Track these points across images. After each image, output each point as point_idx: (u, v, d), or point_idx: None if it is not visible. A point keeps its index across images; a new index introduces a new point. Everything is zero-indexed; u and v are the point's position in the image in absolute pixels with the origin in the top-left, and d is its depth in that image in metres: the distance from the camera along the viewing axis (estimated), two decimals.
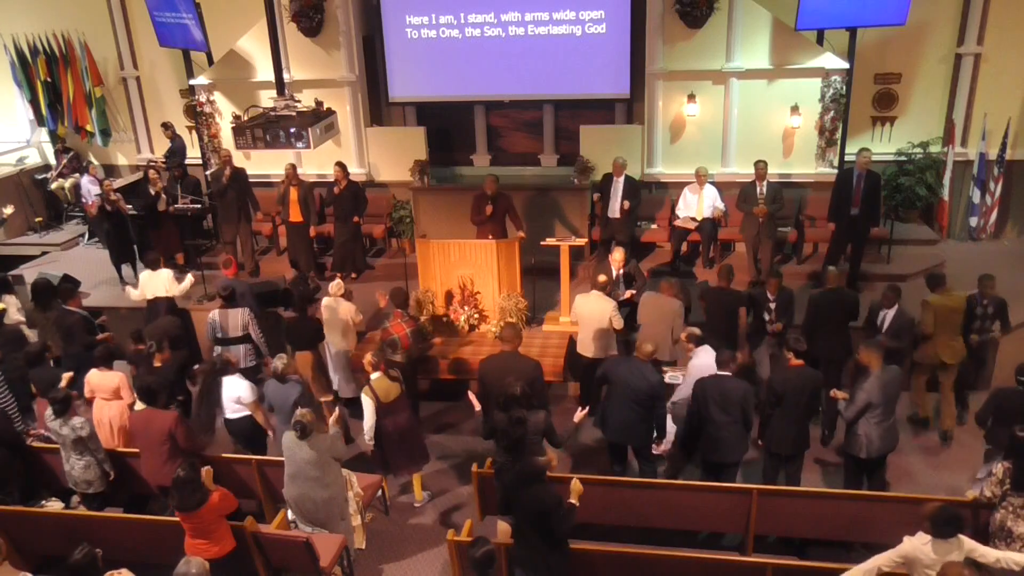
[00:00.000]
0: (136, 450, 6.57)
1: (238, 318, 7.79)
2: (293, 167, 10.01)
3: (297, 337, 7.75)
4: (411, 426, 6.72)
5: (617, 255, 8.26)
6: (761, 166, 9.23)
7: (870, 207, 8.97)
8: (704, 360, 6.71)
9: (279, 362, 6.61)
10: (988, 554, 4.79)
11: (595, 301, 7.56)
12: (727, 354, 6.37)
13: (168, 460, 6.20)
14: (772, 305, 7.82)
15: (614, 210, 9.58)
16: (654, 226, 10.43)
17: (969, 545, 4.74)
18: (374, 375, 6.49)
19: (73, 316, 8.10)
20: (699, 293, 8.26)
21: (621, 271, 8.28)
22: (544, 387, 6.75)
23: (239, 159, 10.59)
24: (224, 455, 6.81)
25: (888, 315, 7.46)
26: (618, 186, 9.56)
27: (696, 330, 7.00)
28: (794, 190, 9.99)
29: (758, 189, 9.21)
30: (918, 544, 4.71)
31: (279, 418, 6.72)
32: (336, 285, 7.97)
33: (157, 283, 8.58)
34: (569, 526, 5.12)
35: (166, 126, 11.72)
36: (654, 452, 6.74)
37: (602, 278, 7.62)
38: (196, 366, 8.58)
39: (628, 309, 8.47)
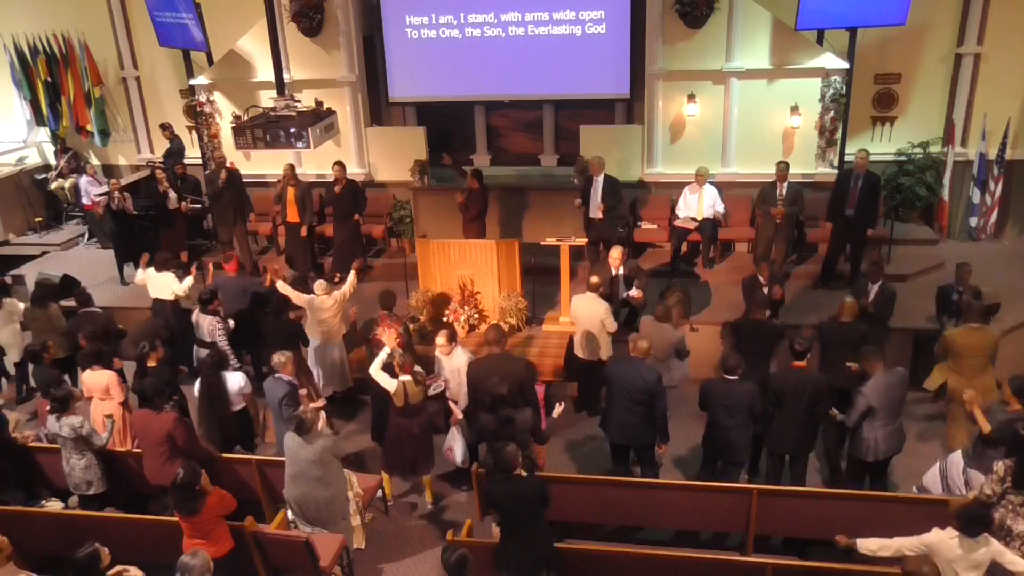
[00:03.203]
0: (135, 450, 6.60)
1: (207, 324, 7.82)
2: (291, 167, 10.03)
3: (274, 338, 7.70)
4: (426, 431, 6.69)
5: (615, 253, 8.22)
6: (782, 167, 9.20)
7: (867, 208, 8.97)
8: (462, 357, 6.81)
9: (279, 357, 6.64)
10: (1018, 563, 4.77)
11: (589, 303, 7.54)
12: (734, 358, 6.32)
13: (167, 461, 6.20)
14: (764, 288, 7.79)
15: (594, 211, 9.49)
16: (653, 226, 10.42)
17: (997, 549, 4.74)
18: (405, 377, 6.49)
19: (101, 316, 8.16)
20: (728, 330, 7.91)
21: (620, 270, 8.25)
22: (534, 388, 6.74)
23: (237, 160, 10.60)
24: (224, 455, 6.81)
25: (873, 289, 7.59)
26: (597, 186, 9.44)
27: (448, 331, 6.97)
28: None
29: (778, 190, 9.20)
30: (945, 537, 4.72)
31: (274, 416, 6.77)
32: (320, 284, 7.96)
33: (161, 284, 8.59)
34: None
35: (164, 127, 11.72)
36: (657, 453, 6.71)
37: (594, 280, 7.58)
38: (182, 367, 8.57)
39: (628, 311, 8.45)
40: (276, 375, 6.63)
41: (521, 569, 5.17)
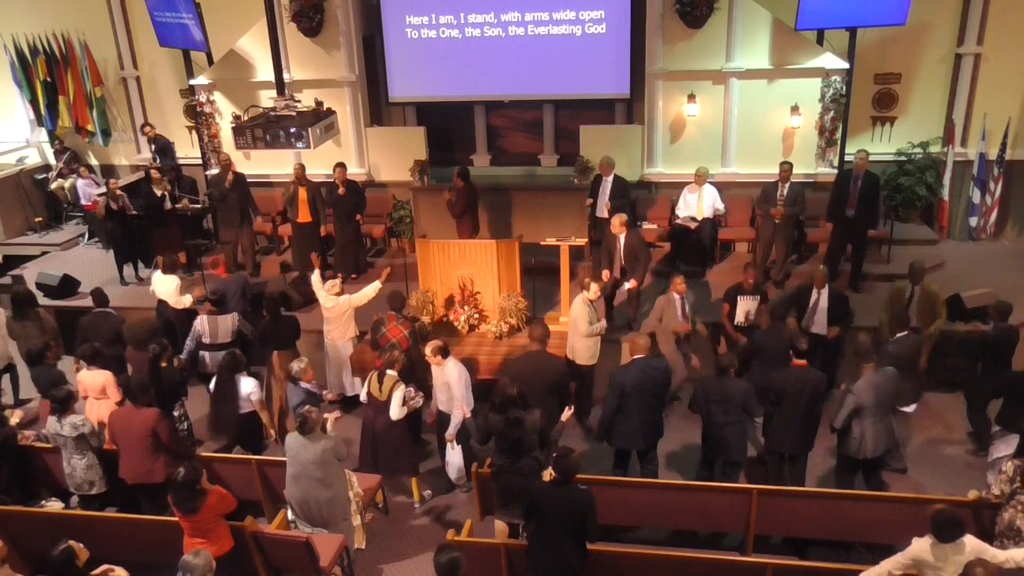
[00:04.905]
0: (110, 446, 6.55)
1: (228, 323, 7.80)
2: (302, 167, 9.99)
3: (273, 337, 7.71)
4: (394, 432, 6.61)
5: (616, 221, 8.17)
6: (786, 168, 9.20)
7: (867, 209, 8.97)
8: (453, 371, 6.62)
9: (298, 364, 6.64)
10: (997, 555, 4.72)
11: (575, 304, 7.57)
12: (728, 357, 6.40)
13: (149, 457, 6.20)
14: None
15: (601, 210, 9.55)
16: (653, 226, 10.42)
17: (977, 546, 4.69)
18: (389, 371, 6.54)
19: (112, 319, 8.10)
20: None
21: (621, 237, 8.19)
22: (569, 386, 6.77)
23: (237, 160, 10.59)
24: (224, 455, 6.81)
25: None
26: (606, 186, 9.54)
27: (438, 342, 6.72)
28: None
29: (779, 190, 9.20)
30: (925, 546, 4.69)
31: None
32: (332, 284, 7.97)
33: (165, 288, 8.58)
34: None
35: (149, 126, 11.64)
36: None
37: (587, 280, 7.59)
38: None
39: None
40: (298, 383, 6.63)
41: (549, 574, 5.18)
